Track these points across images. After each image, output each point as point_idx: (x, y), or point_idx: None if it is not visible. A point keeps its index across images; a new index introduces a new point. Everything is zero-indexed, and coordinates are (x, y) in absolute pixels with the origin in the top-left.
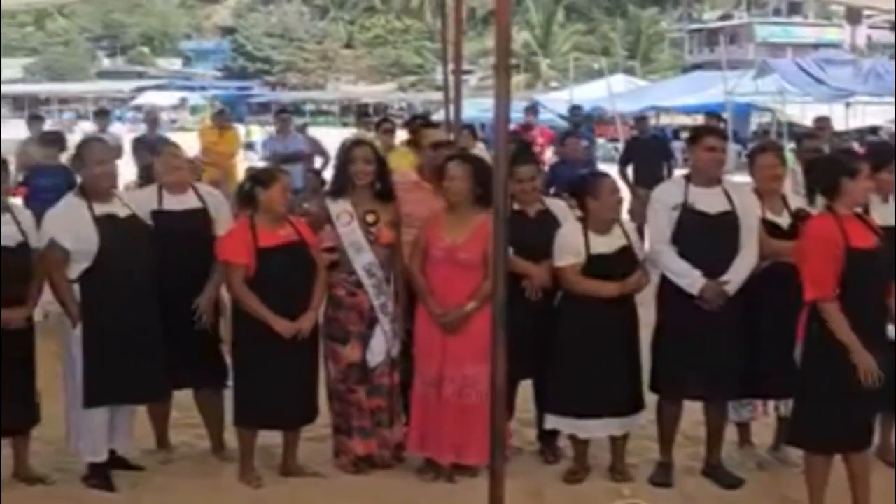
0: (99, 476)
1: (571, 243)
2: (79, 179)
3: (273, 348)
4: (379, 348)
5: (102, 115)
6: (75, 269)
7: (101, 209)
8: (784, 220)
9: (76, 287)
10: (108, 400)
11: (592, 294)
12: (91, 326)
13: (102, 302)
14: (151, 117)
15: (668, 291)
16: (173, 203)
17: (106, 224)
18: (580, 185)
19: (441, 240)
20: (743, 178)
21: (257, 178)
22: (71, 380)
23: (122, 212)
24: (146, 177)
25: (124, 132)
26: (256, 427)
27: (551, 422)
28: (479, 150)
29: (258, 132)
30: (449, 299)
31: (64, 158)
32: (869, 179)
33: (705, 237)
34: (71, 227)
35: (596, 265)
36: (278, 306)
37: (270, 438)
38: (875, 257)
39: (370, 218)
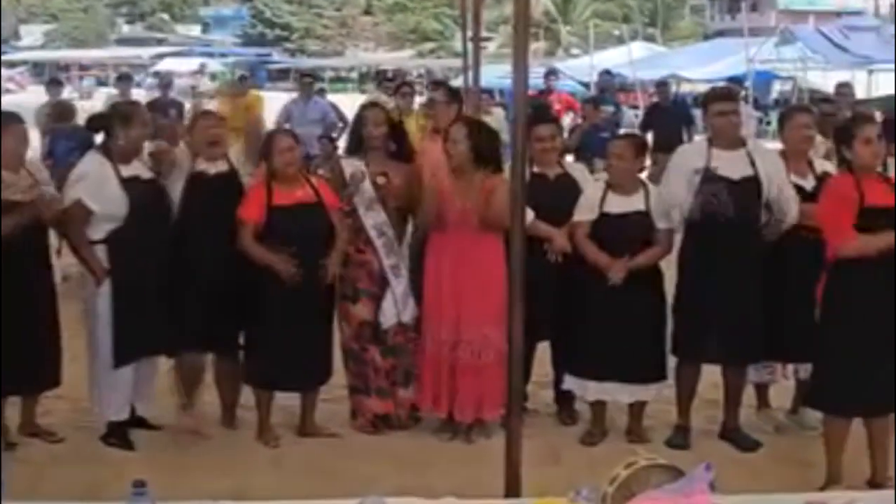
0: (117, 434)
1: (589, 200)
2: (97, 139)
3: (283, 308)
4: (391, 310)
5: (125, 80)
6: (100, 230)
7: (126, 171)
8: (808, 183)
9: (101, 248)
10: (137, 355)
11: (588, 259)
12: (119, 285)
13: (129, 261)
14: (165, 81)
15: (689, 254)
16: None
17: (132, 186)
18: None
19: (453, 203)
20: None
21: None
22: (95, 339)
23: (145, 174)
24: (159, 139)
25: (143, 98)
26: (266, 387)
27: (570, 383)
28: (497, 114)
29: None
30: (465, 262)
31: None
32: (878, 141)
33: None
34: (98, 188)
35: (607, 224)
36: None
37: (288, 399)
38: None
39: (380, 180)
